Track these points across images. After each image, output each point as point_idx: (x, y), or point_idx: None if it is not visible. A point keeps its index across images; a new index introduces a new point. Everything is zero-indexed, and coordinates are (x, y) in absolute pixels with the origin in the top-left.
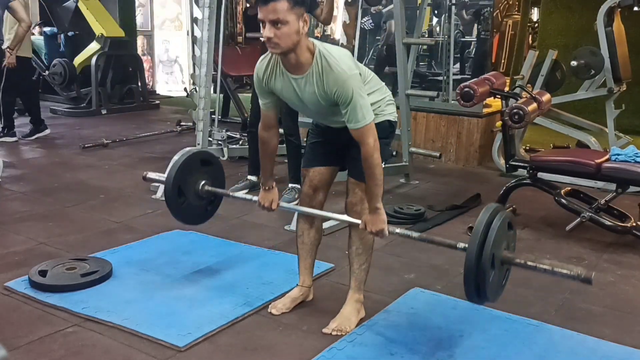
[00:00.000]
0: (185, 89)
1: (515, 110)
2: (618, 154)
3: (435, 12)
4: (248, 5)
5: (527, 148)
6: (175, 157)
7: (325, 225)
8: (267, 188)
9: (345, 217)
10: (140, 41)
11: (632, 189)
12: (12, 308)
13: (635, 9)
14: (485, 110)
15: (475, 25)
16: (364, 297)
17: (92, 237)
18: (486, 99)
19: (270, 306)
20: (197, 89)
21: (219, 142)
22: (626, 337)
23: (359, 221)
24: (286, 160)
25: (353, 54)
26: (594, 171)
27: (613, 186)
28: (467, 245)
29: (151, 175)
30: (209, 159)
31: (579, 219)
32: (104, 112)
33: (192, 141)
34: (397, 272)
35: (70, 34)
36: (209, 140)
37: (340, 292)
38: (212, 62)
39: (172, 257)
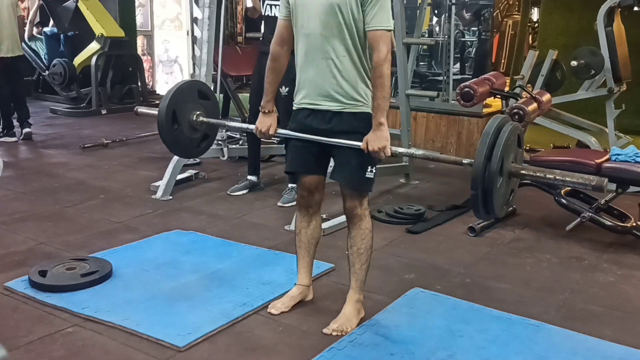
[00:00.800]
0: None
1: (515, 110)
2: (618, 154)
3: (435, 12)
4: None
5: (527, 148)
6: (173, 85)
7: (325, 225)
8: (266, 111)
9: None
10: (140, 41)
11: (632, 189)
12: (12, 308)
13: (635, 9)
14: (486, 110)
15: (476, 25)
16: (364, 297)
17: (92, 237)
18: (486, 99)
19: (269, 306)
20: None
21: (219, 142)
22: (626, 337)
23: (359, 143)
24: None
25: None
26: (594, 171)
27: (613, 186)
28: (472, 160)
29: (142, 109)
30: (206, 92)
31: (579, 219)
32: (103, 112)
33: None
34: (397, 272)
35: (70, 34)
36: None
37: (340, 292)
38: (212, 62)
39: (172, 257)
